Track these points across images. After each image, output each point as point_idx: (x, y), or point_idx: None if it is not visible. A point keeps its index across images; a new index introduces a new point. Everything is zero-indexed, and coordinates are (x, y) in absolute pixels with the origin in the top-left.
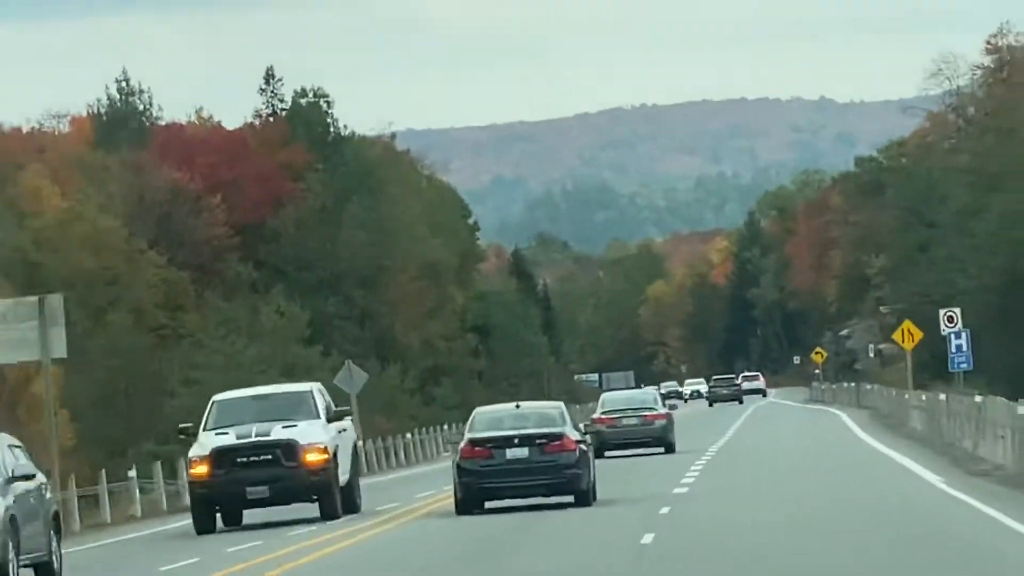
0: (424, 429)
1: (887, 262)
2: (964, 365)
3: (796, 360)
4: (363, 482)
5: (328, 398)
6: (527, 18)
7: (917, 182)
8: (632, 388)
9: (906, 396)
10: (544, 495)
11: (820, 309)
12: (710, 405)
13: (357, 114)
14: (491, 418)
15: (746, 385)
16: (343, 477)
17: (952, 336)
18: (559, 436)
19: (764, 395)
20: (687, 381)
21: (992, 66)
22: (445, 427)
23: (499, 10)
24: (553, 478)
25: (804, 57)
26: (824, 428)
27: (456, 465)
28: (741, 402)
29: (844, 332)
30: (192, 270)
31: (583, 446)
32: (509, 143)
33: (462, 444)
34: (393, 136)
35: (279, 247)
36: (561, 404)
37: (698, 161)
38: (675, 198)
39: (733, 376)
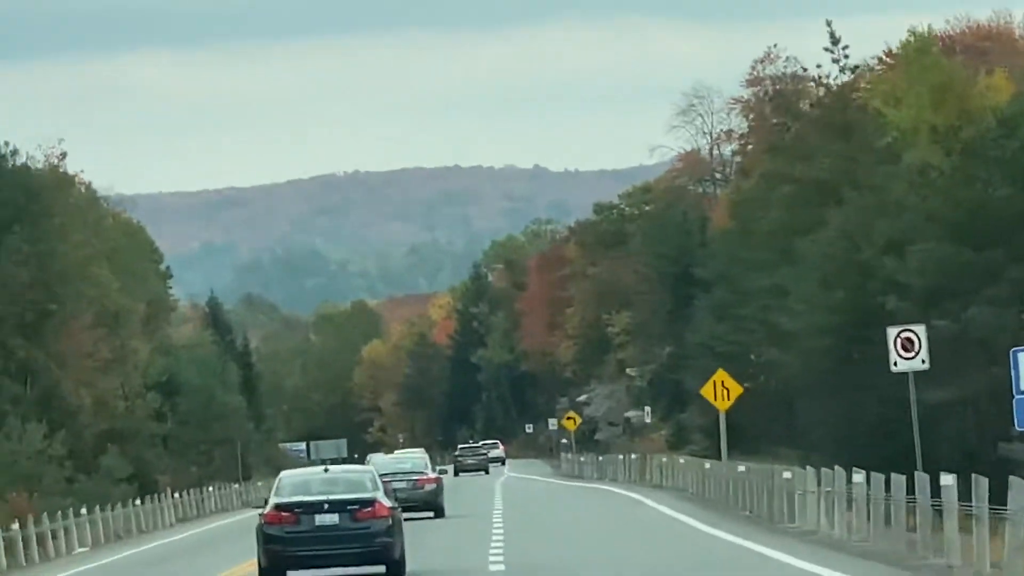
0: (85, 509)
1: (633, 318)
2: None
3: (528, 429)
4: None
5: None
6: (240, 85)
7: (671, 223)
8: (344, 458)
9: (787, 475)
10: (354, 564)
11: (554, 373)
12: (456, 475)
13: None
14: (298, 482)
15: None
16: None
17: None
18: (371, 502)
19: (503, 463)
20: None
21: (752, 99)
22: (99, 510)
23: (212, 77)
24: (365, 547)
25: (519, 126)
26: (651, 524)
27: (260, 531)
28: (487, 472)
29: (582, 398)
30: None
31: (396, 513)
32: (219, 209)
33: (267, 509)
34: (63, 156)
35: None
36: (372, 469)
37: (411, 228)
38: (388, 265)
39: (478, 444)
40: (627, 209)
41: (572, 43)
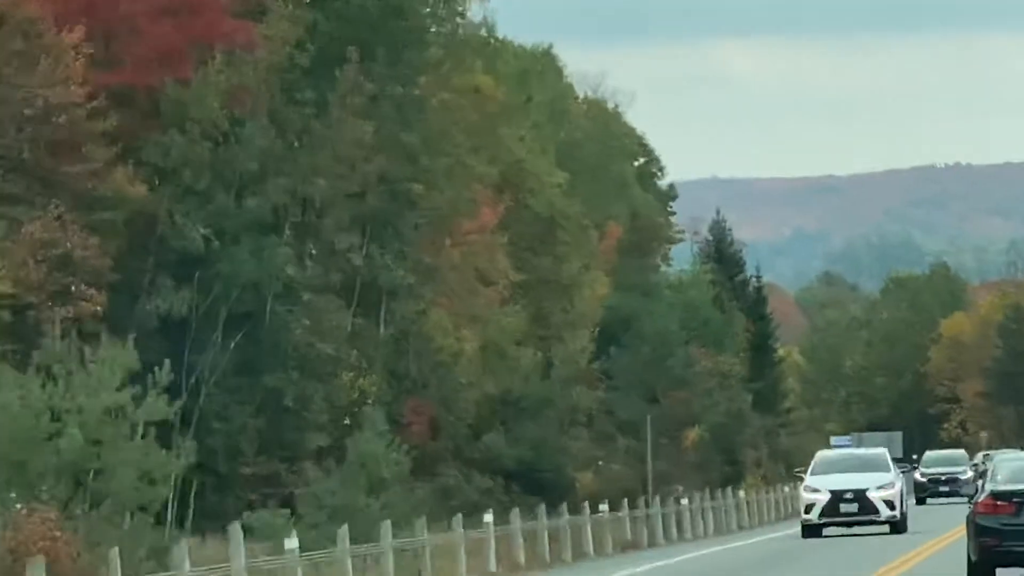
0: None
1: None
2: None
3: None
4: None
5: None
6: (840, 74)
7: None
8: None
9: None
10: None
11: None
12: None
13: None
14: (1018, 466)
15: None
16: None
17: None
18: None
19: None
20: (982, 454)
21: None
22: None
23: (811, 67)
24: None
25: None
26: None
27: (971, 522)
28: None
29: None
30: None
31: None
32: (814, 196)
33: (982, 497)
34: None
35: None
36: None
37: (1012, 224)
38: (985, 259)
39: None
40: None
41: None
